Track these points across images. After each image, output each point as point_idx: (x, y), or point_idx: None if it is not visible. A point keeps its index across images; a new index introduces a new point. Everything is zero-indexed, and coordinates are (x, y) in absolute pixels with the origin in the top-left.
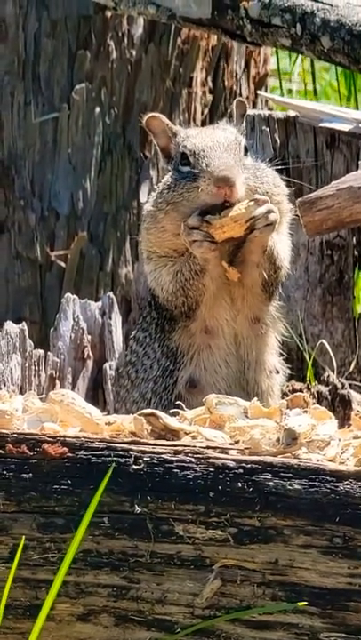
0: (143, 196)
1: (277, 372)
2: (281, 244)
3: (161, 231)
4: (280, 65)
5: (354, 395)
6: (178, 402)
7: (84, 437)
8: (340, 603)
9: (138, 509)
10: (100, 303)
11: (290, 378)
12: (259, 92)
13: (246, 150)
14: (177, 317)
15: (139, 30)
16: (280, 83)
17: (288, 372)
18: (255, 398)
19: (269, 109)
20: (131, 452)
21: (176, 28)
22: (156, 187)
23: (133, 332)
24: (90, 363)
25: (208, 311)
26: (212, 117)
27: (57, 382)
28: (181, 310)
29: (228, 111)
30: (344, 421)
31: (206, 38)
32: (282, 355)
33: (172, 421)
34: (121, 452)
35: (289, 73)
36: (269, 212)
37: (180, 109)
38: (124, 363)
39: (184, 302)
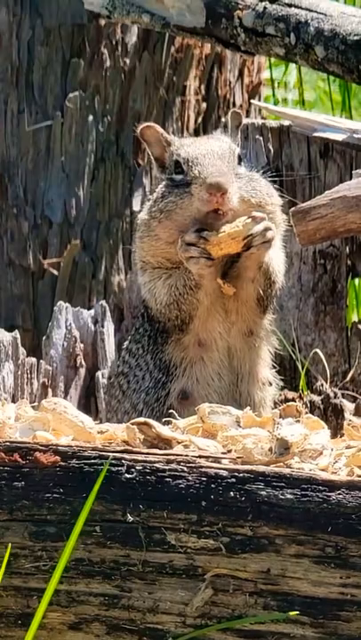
0: (136, 205)
1: (270, 384)
2: (276, 258)
3: (154, 239)
4: (273, 74)
5: (346, 404)
6: (171, 412)
7: (77, 446)
8: (332, 612)
9: (130, 518)
10: (92, 311)
11: (282, 387)
12: (252, 100)
13: (240, 160)
14: (170, 330)
15: (132, 39)
16: (273, 92)
17: (280, 383)
18: (248, 408)
19: (263, 118)
20: (123, 461)
21: (170, 37)
22: (149, 196)
23: (126, 343)
24: (82, 371)
25: (202, 325)
26: (205, 126)
27: (49, 390)
28: (175, 323)
29: (223, 122)
30: (337, 431)
31: (200, 47)
32: (274, 367)
33: (165, 430)
34: (113, 461)
35: (281, 81)
36: (267, 229)
37: (173, 118)
38: (116, 373)
39: (177, 316)
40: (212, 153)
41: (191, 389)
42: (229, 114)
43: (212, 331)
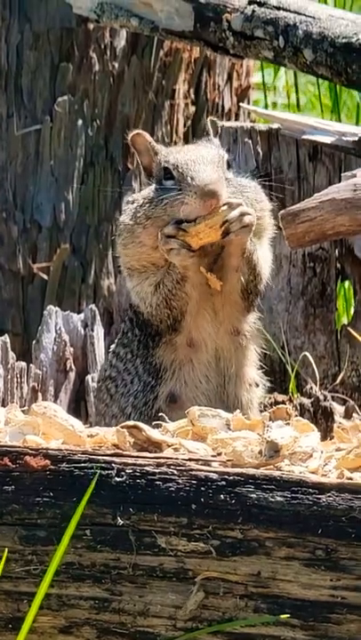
0: None
1: (257, 385)
2: (262, 252)
3: (139, 246)
4: (265, 78)
5: (336, 407)
6: (160, 415)
7: (67, 450)
8: (323, 615)
9: (120, 521)
10: (82, 315)
11: (272, 390)
12: (241, 104)
13: (229, 165)
14: (163, 331)
15: (121, 42)
16: (265, 95)
17: (268, 384)
18: (237, 410)
19: (252, 121)
20: (113, 465)
21: (159, 41)
22: (130, 199)
23: (113, 347)
24: (72, 375)
25: (193, 321)
26: (194, 129)
27: (39, 394)
28: (167, 323)
29: (205, 130)
30: (326, 433)
31: (189, 50)
32: (262, 367)
33: (155, 433)
34: (103, 465)
35: (271, 86)
36: (243, 214)
37: (162, 121)
38: (103, 377)
39: (169, 314)
40: (202, 158)
41: (179, 392)
42: (208, 121)
43: (203, 331)
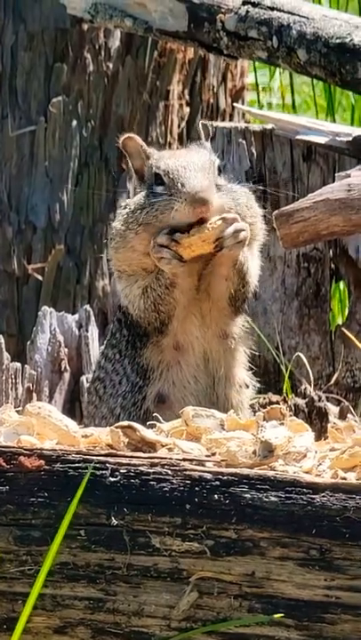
0: None
1: (247, 386)
2: (252, 261)
3: (130, 251)
4: (259, 79)
5: (330, 407)
6: (153, 415)
7: (61, 450)
8: (317, 615)
9: (114, 522)
10: (76, 316)
11: (266, 390)
12: (236, 104)
13: (220, 171)
14: (150, 333)
15: (115, 43)
16: (258, 96)
17: (257, 385)
18: (232, 410)
19: (246, 122)
20: (107, 465)
21: (153, 41)
22: (123, 204)
23: (102, 348)
24: (67, 375)
25: (180, 325)
26: (189, 130)
27: (34, 395)
28: (155, 326)
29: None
30: (321, 434)
31: (183, 51)
32: (251, 369)
33: (149, 434)
34: (98, 465)
35: (266, 86)
36: (238, 230)
37: (156, 122)
38: (92, 379)
39: (156, 318)
40: (193, 165)
41: (168, 393)
42: (199, 125)
43: (190, 334)
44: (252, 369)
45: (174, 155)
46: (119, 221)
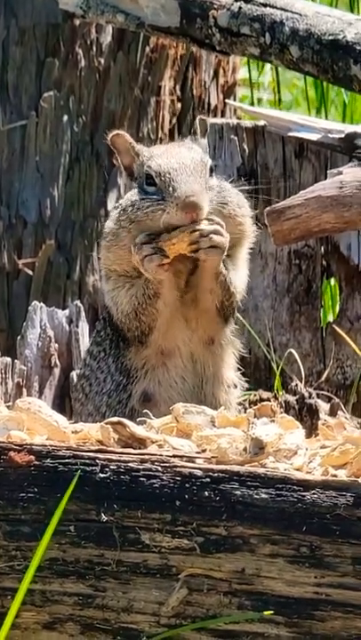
0: (111, 204)
1: (235, 386)
2: (236, 272)
3: (122, 249)
4: (251, 74)
5: (321, 404)
6: (140, 413)
7: (51, 445)
8: (307, 612)
9: (104, 518)
10: (67, 311)
11: (257, 387)
12: (227, 100)
13: (212, 171)
14: (130, 340)
15: (107, 38)
16: (251, 92)
17: (245, 385)
18: (222, 407)
19: (238, 118)
20: (97, 461)
21: (145, 37)
22: (117, 204)
23: (88, 345)
24: (57, 371)
25: (162, 336)
26: (180, 126)
27: (24, 390)
28: (135, 334)
29: (193, 130)
30: (311, 431)
31: (175, 47)
32: (239, 369)
33: (139, 430)
34: (87, 461)
35: (258, 82)
36: (216, 232)
37: (148, 118)
38: (78, 376)
39: (137, 327)
40: (185, 167)
41: (153, 391)
42: (197, 120)
43: (174, 339)
44: (240, 369)
45: (165, 153)
46: (112, 220)
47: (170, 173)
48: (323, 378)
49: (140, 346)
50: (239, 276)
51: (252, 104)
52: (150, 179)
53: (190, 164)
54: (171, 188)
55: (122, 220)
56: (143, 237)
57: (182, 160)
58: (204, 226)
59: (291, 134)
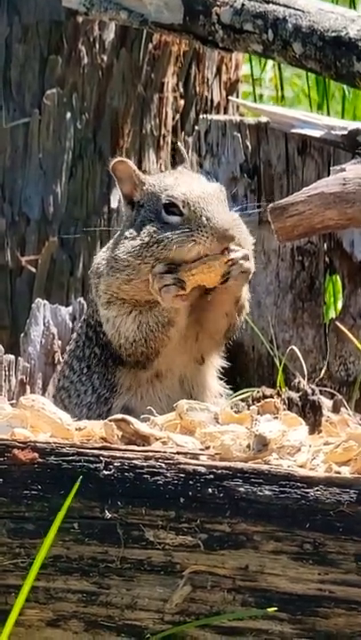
0: (114, 202)
1: (221, 395)
2: (247, 293)
3: (144, 283)
4: (253, 70)
5: (324, 401)
6: (149, 409)
7: (55, 443)
8: (310, 609)
9: (108, 515)
10: (70, 308)
11: (260, 384)
12: (230, 97)
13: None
14: (128, 364)
15: (110, 35)
16: (253, 89)
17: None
18: (226, 404)
19: (241, 115)
20: (101, 458)
21: (148, 34)
22: (126, 234)
23: (65, 357)
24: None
25: (163, 358)
26: (183, 123)
27: (27, 387)
28: (137, 359)
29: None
30: (315, 427)
31: (178, 44)
32: (220, 378)
33: (143, 427)
34: (91, 458)
35: (260, 79)
36: (245, 257)
37: (151, 115)
38: (56, 387)
39: (143, 352)
40: (212, 197)
41: (134, 406)
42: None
43: (170, 361)
44: (221, 378)
45: (181, 181)
46: (129, 254)
47: (199, 203)
48: (322, 373)
49: (141, 369)
50: (247, 298)
51: (254, 100)
52: (174, 207)
53: (214, 193)
54: (204, 218)
55: (146, 256)
56: (162, 267)
57: (205, 189)
58: (235, 254)
59: (294, 131)
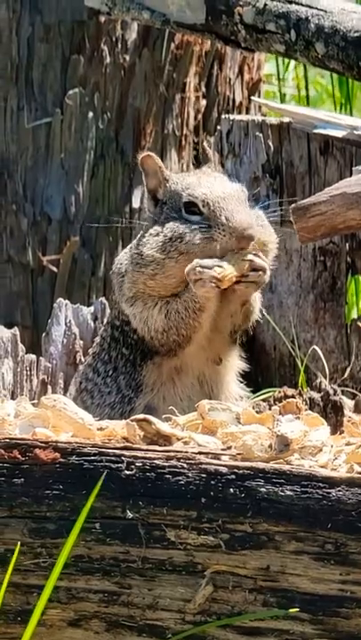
0: (135, 201)
1: (241, 398)
2: (257, 300)
3: (169, 278)
4: (279, 69)
5: (346, 401)
6: (171, 408)
7: (76, 443)
8: (332, 609)
9: (130, 515)
10: (92, 308)
11: (282, 384)
12: (252, 97)
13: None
14: (155, 354)
15: (132, 35)
16: (279, 88)
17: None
18: (247, 404)
19: (263, 115)
20: (123, 458)
21: (170, 34)
22: (151, 232)
23: (89, 360)
24: None
25: (188, 348)
26: (205, 123)
27: (49, 387)
28: (170, 347)
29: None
30: (336, 428)
31: (200, 44)
32: (242, 379)
33: (165, 427)
34: (113, 458)
35: (283, 78)
36: (263, 269)
37: (173, 114)
38: (77, 389)
39: (175, 340)
40: (232, 197)
41: (157, 406)
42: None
43: (191, 356)
44: (241, 382)
45: (203, 181)
46: (153, 249)
47: (220, 202)
48: (346, 374)
49: (170, 357)
50: (258, 304)
51: (282, 100)
52: (194, 207)
53: (235, 193)
54: (223, 217)
55: (170, 250)
56: (208, 262)
57: (226, 189)
58: (258, 259)
59: (316, 131)
